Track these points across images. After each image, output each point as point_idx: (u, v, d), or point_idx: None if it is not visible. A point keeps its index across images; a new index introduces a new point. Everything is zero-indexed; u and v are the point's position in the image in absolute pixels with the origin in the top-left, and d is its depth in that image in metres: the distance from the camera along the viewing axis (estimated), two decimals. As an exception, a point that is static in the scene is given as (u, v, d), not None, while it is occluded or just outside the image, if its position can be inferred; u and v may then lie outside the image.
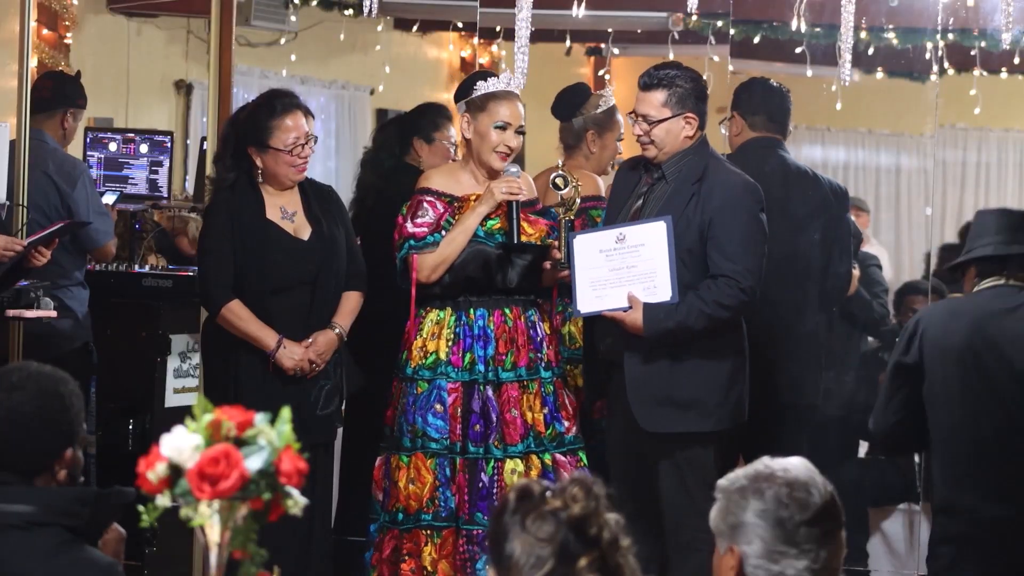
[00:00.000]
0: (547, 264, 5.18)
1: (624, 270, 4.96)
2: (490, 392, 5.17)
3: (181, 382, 6.20)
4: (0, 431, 2.97)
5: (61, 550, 2.90)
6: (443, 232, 5.20)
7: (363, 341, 5.47)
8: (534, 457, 5.19)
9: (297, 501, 2.31)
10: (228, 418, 2.30)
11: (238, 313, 5.14)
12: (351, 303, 5.32)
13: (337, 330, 5.24)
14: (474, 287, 5.23)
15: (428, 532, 5.17)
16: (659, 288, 4.91)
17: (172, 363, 6.18)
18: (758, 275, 4.98)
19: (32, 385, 3.00)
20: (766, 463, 2.69)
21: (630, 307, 4.92)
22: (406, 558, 5.19)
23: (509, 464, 5.16)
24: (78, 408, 3.05)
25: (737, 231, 4.97)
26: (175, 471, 2.29)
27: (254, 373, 5.17)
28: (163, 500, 2.31)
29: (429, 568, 5.15)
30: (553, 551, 2.34)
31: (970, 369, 4.56)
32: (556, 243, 5.19)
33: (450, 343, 5.21)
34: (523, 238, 5.20)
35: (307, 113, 5.28)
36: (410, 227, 5.24)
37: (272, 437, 2.30)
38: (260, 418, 2.33)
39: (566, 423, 5.24)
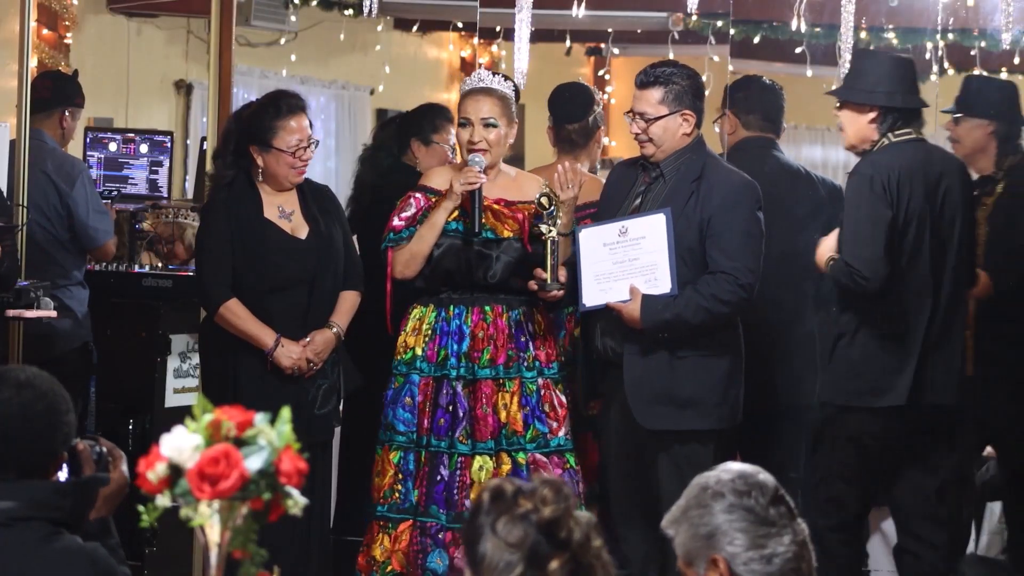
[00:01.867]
0: (532, 284, 5.11)
1: (626, 263, 4.98)
2: (459, 388, 5.17)
3: (181, 382, 6.20)
4: (12, 429, 2.96)
5: (44, 543, 2.90)
6: (418, 227, 5.23)
7: (363, 341, 5.47)
8: (504, 455, 5.17)
9: (297, 501, 2.31)
10: (228, 418, 2.30)
11: (236, 312, 5.15)
12: (348, 302, 5.32)
13: (335, 329, 5.24)
14: (454, 283, 5.24)
15: (382, 524, 5.21)
16: (659, 280, 4.93)
17: (172, 363, 6.18)
18: (756, 273, 5.00)
19: (39, 383, 3.00)
20: (697, 481, 2.69)
21: (630, 299, 4.94)
22: (364, 548, 5.25)
23: (477, 461, 5.15)
24: (72, 409, 3.06)
25: (736, 229, 4.98)
26: (175, 471, 2.29)
27: (252, 373, 5.17)
28: (163, 500, 2.30)
29: (379, 559, 5.19)
30: (523, 556, 2.34)
31: (927, 221, 5.14)
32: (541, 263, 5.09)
33: (427, 339, 5.23)
34: (506, 233, 5.19)
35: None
36: (395, 221, 5.28)
37: (272, 437, 2.30)
38: (260, 418, 2.33)
39: (553, 424, 5.20)
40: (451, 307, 5.23)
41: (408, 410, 5.21)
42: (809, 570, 2.63)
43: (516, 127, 5.31)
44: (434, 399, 5.19)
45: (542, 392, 5.22)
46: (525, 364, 5.21)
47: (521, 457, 5.17)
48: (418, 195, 5.29)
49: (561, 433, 5.22)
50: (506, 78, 5.34)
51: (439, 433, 5.17)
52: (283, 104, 5.21)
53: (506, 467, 5.16)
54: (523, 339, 5.23)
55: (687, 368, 4.98)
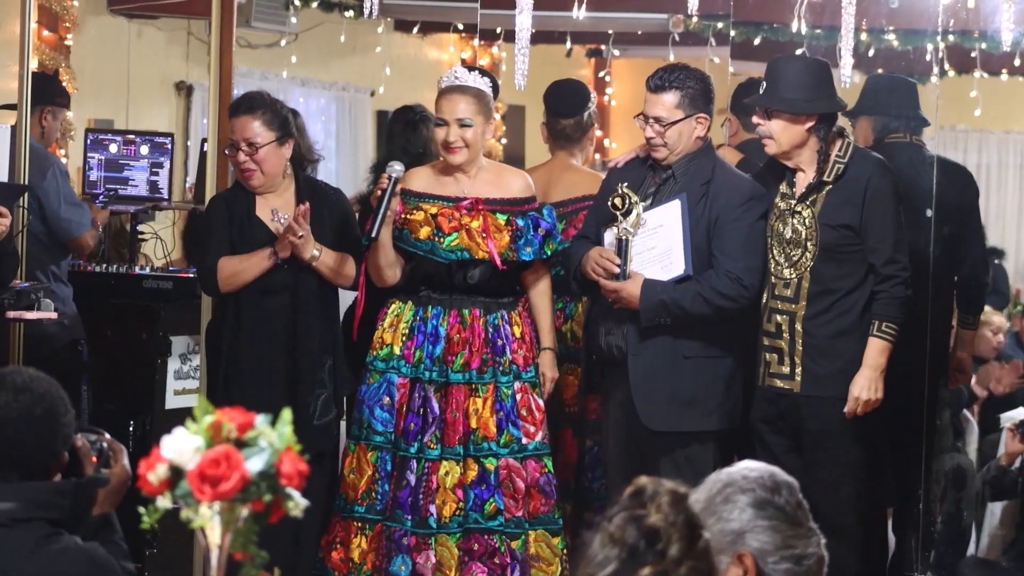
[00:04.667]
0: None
1: (645, 253, 5.02)
2: (431, 392, 5.15)
3: (181, 384, 6.20)
4: (12, 434, 2.96)
5: (43, 544, 2.90)
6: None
7: (365, 344, 5.46)
8: (471, 461, 5.15)
9: (298, 503, 2.31)
10: (229, 420, 2.30)
11: (227, 263, 5.20)
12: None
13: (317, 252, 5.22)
14: (434, 283, 5.23)
15: (360, 524, 5.20)
16: (675, 263, 4.97)
17: (172, 365, 6.17)
18: (758, 274, 5.03)
19: (37, 387, 2.99)
20: (717, 477, 2.64)
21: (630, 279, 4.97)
22: (337, 546, 5.24)
23: (444, 466, 5.13)
24: (71, 409, 3.06)
25: (741, 231, 5.02)
26: (176, 473, 2.28)
27: (253, 379, 5.18)
28: (164, 502, 2.30)
29: (356, 560, 5.18)
30: (619, 554, 2.28)
31: None
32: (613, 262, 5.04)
33: (404, 337, 5.21)
34: (481, 254, 5.16)
35: (269, 124, 5.23)
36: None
37: (273, 439, 2.30)
38: (261, 419, 2.33)
39: (529, 428, 5.18)
40: (429, 307, 5.22)
41: (386, 410, 5.19)
42: None
43: (495, 122, 5.29)
44: (408, 402, 5.18)
45: (518, 397, 5.19)
46: (501, 368, 5.19)
47: (490, 463, 5.14)
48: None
49: (538, 437, 5.20)
50: (483, 73, 5.29)
51: (408, 438, 5.15)
52: (237, 104, 5.30)
53: (472, 473, 5.14)
54: (500, 343, 5.20)
55: (691, 368, 5.01)
